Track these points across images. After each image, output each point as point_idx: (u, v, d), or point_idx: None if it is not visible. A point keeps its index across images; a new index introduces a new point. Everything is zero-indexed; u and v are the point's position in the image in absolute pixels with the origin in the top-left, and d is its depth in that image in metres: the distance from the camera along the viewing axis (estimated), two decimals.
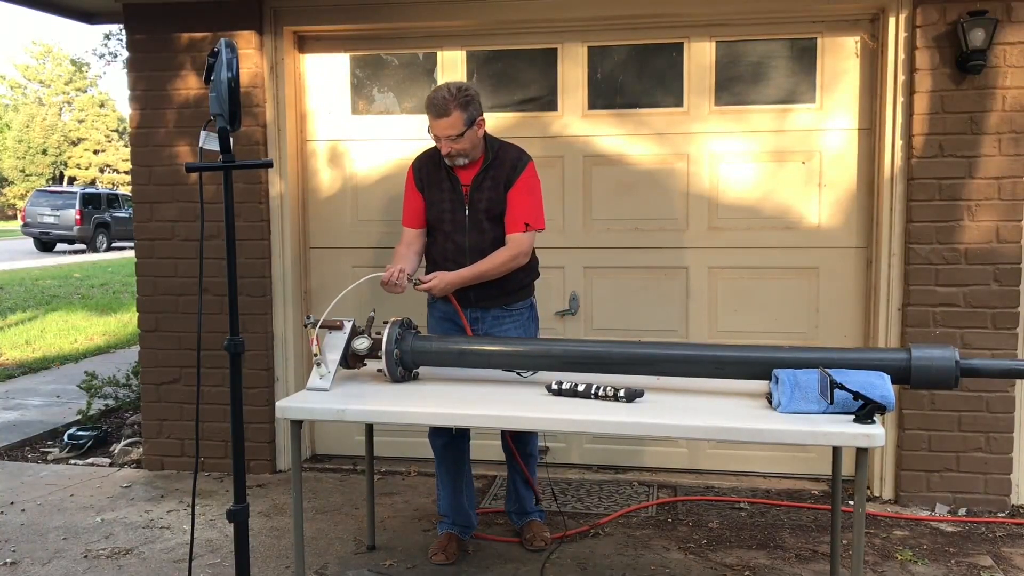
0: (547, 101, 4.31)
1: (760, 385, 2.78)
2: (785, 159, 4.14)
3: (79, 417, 5.33)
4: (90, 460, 4.73)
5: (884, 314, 3.96)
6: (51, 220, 22.23)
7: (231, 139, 2.39)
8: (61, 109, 46.54)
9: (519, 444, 3.42)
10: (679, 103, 4.20)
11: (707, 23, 4.11)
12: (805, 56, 4.10)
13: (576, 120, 4.27)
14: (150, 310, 4.46)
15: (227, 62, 2.34)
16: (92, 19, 5.13)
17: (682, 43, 4.17)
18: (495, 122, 4.22)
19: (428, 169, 3.31)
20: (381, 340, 2.92)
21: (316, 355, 2.90)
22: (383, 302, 3.63)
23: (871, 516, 3.79)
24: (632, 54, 4.24)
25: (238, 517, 2.45)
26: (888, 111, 3.89)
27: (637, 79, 4.25)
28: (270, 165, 4.21)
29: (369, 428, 3.48)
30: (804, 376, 2.54)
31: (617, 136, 4.25)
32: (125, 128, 42.18)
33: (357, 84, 4.48)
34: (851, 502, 3.71)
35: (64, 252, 22.55)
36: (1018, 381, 3.85)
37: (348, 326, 2.97)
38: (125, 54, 4.51)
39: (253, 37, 4.23)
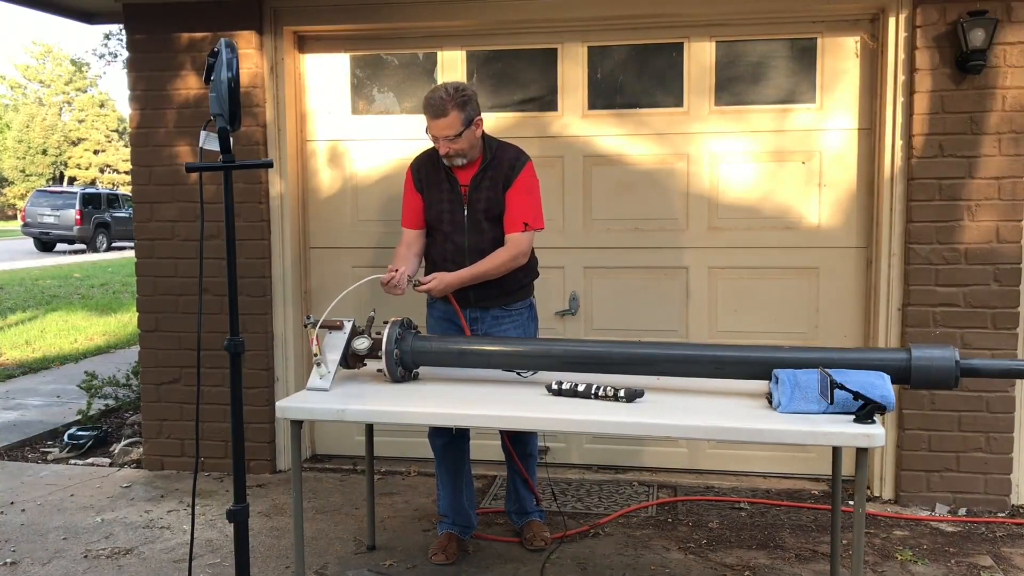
0: (547, 101, 4.31)
1: (760, 385, 2.78)
2: (785, 159, 4.14)
3: (79, 417, 5.33)
4: (90, 460, 4.73)
5: (884, 314, 3.96)
6: (51, 220, 22.23)
7: (231, 139, 2.39)
8: (61, 109, 46.55)
9: (519, 444, 3.42)
10: (679, 103, 4.20)
11: (707, 23, 4.11)
12: (805, 56, 4.10)
13: (576, 120, 4.27)
14: (150, 310, 4.46)
15: (227, 62, 2.34)
16: (92, 19, 5.13)
17: (682, 43, 4.17)
18: (495, 122, 4.23)
19: (427, 170, 3.31)
20: (381, 340, 2.92)
21: (316, 355, 2.90)
22: (383, 302, 3.63)
23: (871, 516, 3.79)
24: (632, 54, 4.24)
25: (238, 517, 2.45)
26: (888, 111, 3.89)
27: (637, 79, 4.25)
28: (270, 165, 4.21)
29: (369, 428, 3.48)
30: (804, 376, 2.54)
31: (617, 136, 4.25)
32: (125, 128, 42.19)
33: (357, 84, 4.48)
34: (851, 502, 3.71)
35: (64, 252, 22.55)
36: (1018, 381, 3.85)
37: (348, 326, 2.97)
38: (125, 54, 4.51)
39: (253, 37, 4.23)
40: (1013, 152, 3.75)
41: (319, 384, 2.89)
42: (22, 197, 41.10)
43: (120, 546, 3.58)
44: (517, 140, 3.45)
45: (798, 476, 4.26)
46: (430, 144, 3.25)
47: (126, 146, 33.64)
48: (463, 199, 3.24)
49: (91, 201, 22.89)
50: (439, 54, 4.36)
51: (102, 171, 45.45)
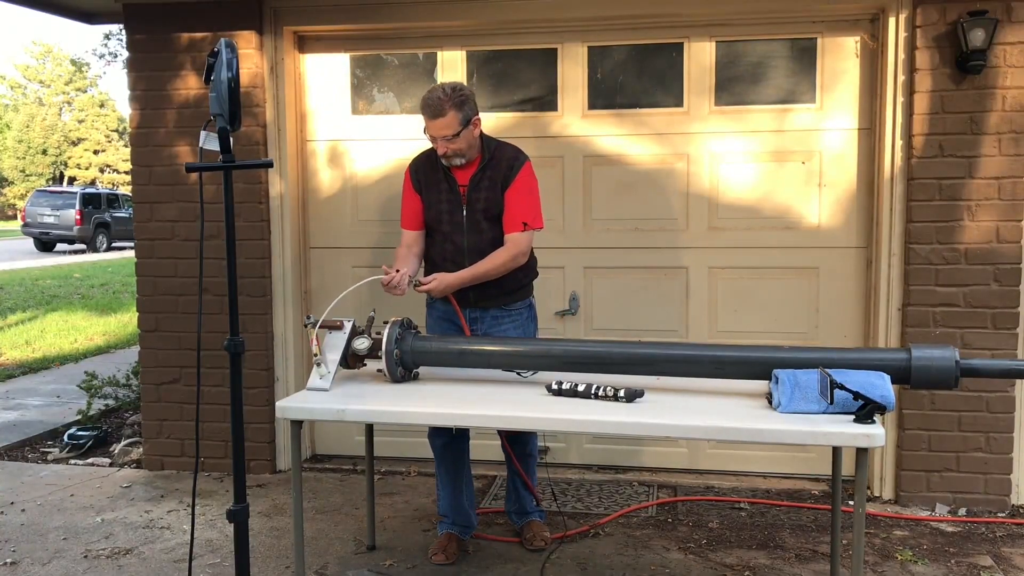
0: (547, 101, 4.31)
1: (760, 385, 2.78)
2: (785, 159, 4.14)
3: (79, 417, 5.33)
4: (90, 460, 4.73)
5: (884, 314, 3.96)
6: (51, 220, 22.23)
7: (231, 139, 2.39)
8: (61, 109, 46.55)
9: (518, 444, 3.42)
10: (679, 103, 4.20)
11: (707, 23, 4.11)
12: (805, 56, 4.10)
13: (576, 120, 4.27)
14: (150, 310, 4.46)
15: (227, 62, 2.34)
16: (92, 19, 5.13)
17: (682, 43, 4.17)
18: (495, 122, 4.23)
19: (425, 170, 3.31)
20: (381, 340, 2.92)
21: (316, 355, 2.90)
22: (383, 302, 3.63)
23: (871, 516, 3.79)
24: (632, 54, 4.24)
25: (238, 517, 2.45)
26: (888, 111, 3.89)
27: (637, 79, 4.25)
28: (270, 165, 4.21)
29: (369, 428, 3.48)
30: (804, 376, 2.54)
31: (617, 136, 4.25)
32: (125, 128, 42.19)
33: (357, 84, 4.48)
34: (851, 502, 3.71)
35: (64, 252, 22.55)
36: (1018, 381, 3.85)
37: (348, 326, 2.97)
38: (125, 54, 4.51)
39: (253, 37, 4.23)
40: (1013, 152, 3.75)
41: (319, 384, 2.89)
42: (22, 197, 41.11)
43: (120, 546, 3.58)
44: (517, 140, 3.45)
45: (798, 476, 4.26)
46: (430, 144, 3.25)
47: (126, 146, 33.64)
48: (462, 199, 3.24)
49: (91, 201, 22.89)
50: (439, 54, 4.36)
51: (102, 171, 45.45)
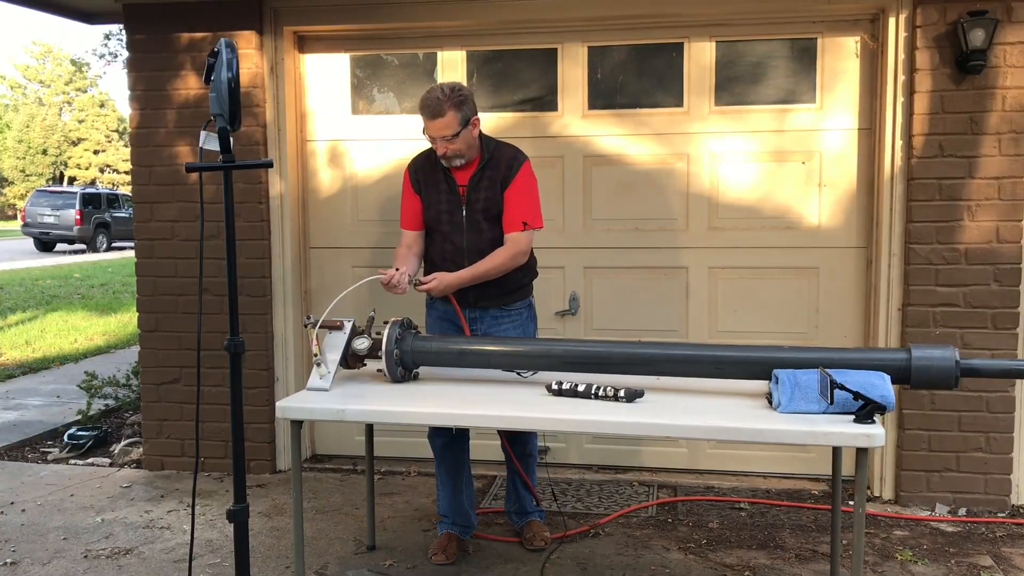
0: (547, 101, 4.31)
1: (760, 385, 2.77)
2: (785, 159, 4.14)
3: (79, 417, 5.33)
4: (90, 460, 4.73)
5: (884, 314, 3.96)
6: (51, 220, 22.23)
7: (231, 139, 2.39)
8: (61, 109, 46.56)
9: (519, 444, 3.42)
10: (679, 103, 4.20)
11: (707, 23, 4.11)
12: (805, 56, 4.10)
13: (576, 120, 4.27)
14: (150, 310, 4.46)
15: (227, 62, 2.34)
16: (92, 19, 5.13)
17: (682, 43, 4.17)
18: (495, 122, 4.23)
19: (425, 171, 3.31)
20: (381, 340, 2.92)
21: (316, 355, 2.90)
22: (383, 302, 3.63)
23: (871, 516, 3.79)
24: (632, 54, 4.24)
25: (238, 517, 2.45)
26: (888, 111, 3.89)
27: (637, 79, 4.25)
28: (270, 165, 4.21)
29: (369, 428, 3.48)
30: (804, 376, 2.54)
31: (617, 136, 4.25)
32: (125, 128, 42.19)
33: (357, 84, 4.48)
34: (851, 502, 3.71)
35: (64, 252, 22.55)
36: (1018, 381, 3.85)
37: (348, 326, 2.97)
38: (125, 54, 4.51)
39: (253, 37, 4.23)
40: (1013, 152, 3.75)
41: (319, 384, 2.89)
42: (22, 197, 41.12)
43: (120, 546, 3.58)
44: (517, 140, 3.45)
45: (798, 476, 4.26)
46: (429, 145, 3.25)
47: (126, 146, 33.64)
48: (461, 199, 3.24)
49: (91, 201, 22.90)
50: (439, 54, 4.36)
51: (102, 171, 45.46)
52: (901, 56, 3.85)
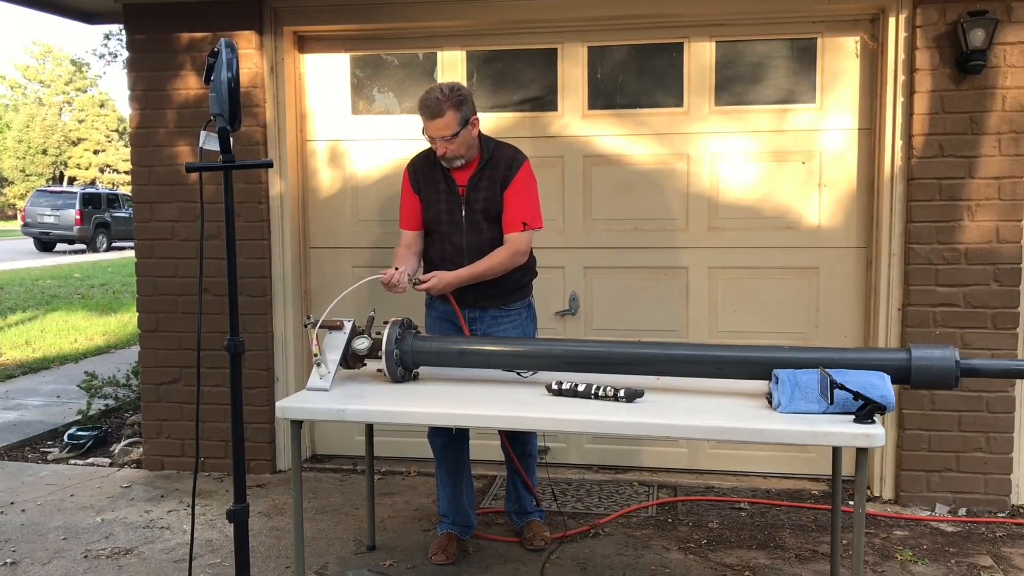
0: (547, 101, 4.31)
1: (760, 385, 2.78)
2: (785, 159, 4.14)
3: (79, 417, 5.33)
4: (90, 460, 4.73)
5: (884, 314, 3.96)
6: (51, 220, 22.24)
7: (231, 139, 2.39)
8: (61, 109, 46.56)
9: (519, 444, 3.42)
10: (679, 103, 4.20)
11: (707, 23, 4.11)
12: (805, 56, 4.10)
13: (576, 120, 4.27)
14: (150, 310, 4.46)
15: (227, 62, 2.34)
16: (92, 19, 5.13)
17: (682, 43, 4.17)
18: (495, 122, 4.23)
19: (424, 171, 3.31)
20: (381, 340, 2.92)
21: (316, 355, 2.90)
22: (383, 302, 3.63)
23: (871, 516, 3.79)
24: (632, 54, 4.24)
25: (238, 517, 2.45)
26: (888, 111, 3.89)
27: (637, 79, 4.25)
28: (270, 165, 4.21)
29: (369, 428, 3.48)
30: (804, 376, 2.54)
31: (617, 136, 4.25)
32: (125, 128, 42.20)
33: (357, 84, 4.48)
34: (851, 502, 3.71)
35: (64, 252, 22.55)
36: (1018, 381, 3.85)
37: (348, 326, 2.97)
38: (125, 54, 4.51)
39: (253, 37, 4.23)
40: (1013, 152, 3.75)
41: (319, 384, 2.89)
42: (22, 197, 41.12)
43: (120, 546, 3.58)
44: (517, 140, 3.45)
45: (798, 476, 4.26)
46: (429, 145, 3.25)
47: (126, 146, 33.64)
48: (461, 199, 3.24)
49: (91, 201, 22.90)
50: (439, 54, 4.36)
51: (102, 171, 45.46)
52: (901, 56, 3.85)
